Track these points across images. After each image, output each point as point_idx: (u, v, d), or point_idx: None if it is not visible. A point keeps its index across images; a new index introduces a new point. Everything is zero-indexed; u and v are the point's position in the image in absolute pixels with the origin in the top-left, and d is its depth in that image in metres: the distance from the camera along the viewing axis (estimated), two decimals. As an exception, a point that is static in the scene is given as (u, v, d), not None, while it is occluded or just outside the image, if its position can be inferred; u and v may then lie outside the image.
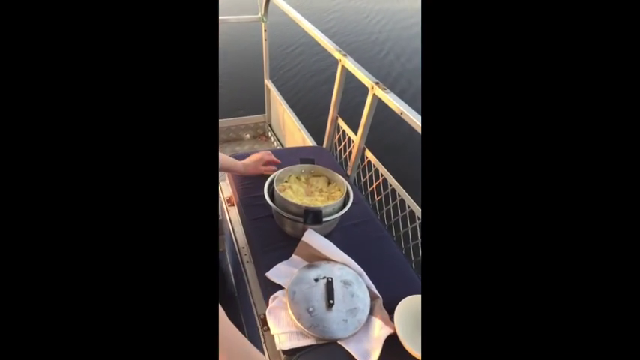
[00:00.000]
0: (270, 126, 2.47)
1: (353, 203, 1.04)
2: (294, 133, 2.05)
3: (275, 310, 0.86)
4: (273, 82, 2.29)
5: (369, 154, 1.39)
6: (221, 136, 2.44)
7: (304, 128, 1.95)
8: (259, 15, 2.05)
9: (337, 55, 1.37)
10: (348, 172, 1.45)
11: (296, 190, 1.10)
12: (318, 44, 1.50)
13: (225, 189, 1.32)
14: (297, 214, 0.98)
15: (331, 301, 0.84)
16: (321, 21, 5.73)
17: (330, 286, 0.87)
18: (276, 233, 1.07)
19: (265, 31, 2.09)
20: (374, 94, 1.22)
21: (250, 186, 1.20)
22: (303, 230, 1.01)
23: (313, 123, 2.10)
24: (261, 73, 2.30)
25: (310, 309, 0.83)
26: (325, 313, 0.83)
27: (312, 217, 0.96)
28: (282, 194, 1.02)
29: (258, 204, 1.12)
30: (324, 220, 0.98)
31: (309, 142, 1.86)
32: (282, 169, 1.13)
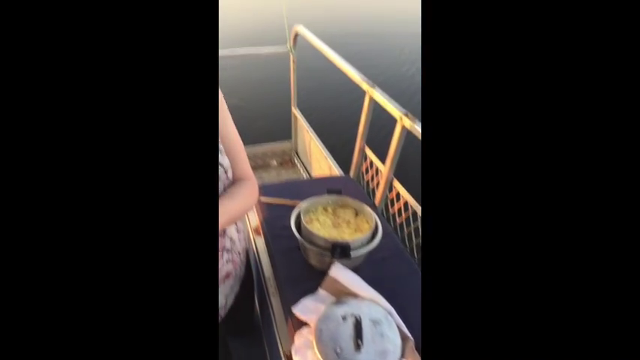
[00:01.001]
0: (296, 152, 2.50)
1: (381, 236, 1.01)
2: (321, 161, 2.05)
3: (301, 349, 0.83)
4: (300, 110, 2.33)
5: (397, 185, 1.36)
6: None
7: (331, 156, 1.96)
8: (288, 47, 2.11)
9: (365, 86, 1.38)
10: (376, 203, 1.43)
11: (323, 222, 1.09)
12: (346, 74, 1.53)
13: (252, 218, 1.32)
14: (325, 248, 0.96)
15: (360, 342, 0.81)
16: (347, 51, 5.87)
17: (358, 325, 0.84)
18: (303, 266, 1.05)
19: (294, 62, 2.15)
20: (402, 125, 1.21)
21: (278, 216, 1.20)
22: (331, 264, 0.99)
23: (340, 149, 2.11)
24: (289, 101, 2.36)
25: (338, 350, 0.80)
26: (353, 355, 0.79)
27: (340, 251, 0.94)
28: (309, 226, 1.01)
29: (285, 235, 1.11)
30: (352, 254, 0.95)
31: (336, 170, 1.86)
32: (309, 200, 1.12)
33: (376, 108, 1.38)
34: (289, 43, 2.09)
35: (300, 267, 1.05)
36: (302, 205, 1.10)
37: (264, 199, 1.27)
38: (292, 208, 1.09)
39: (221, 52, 2.48)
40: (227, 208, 0.75)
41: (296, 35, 2.03)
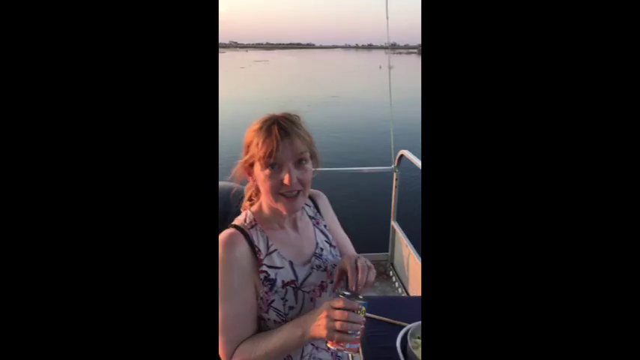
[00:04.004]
0: (392, 265, 2.49)
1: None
2: (419, 276, 2.01)
3: None
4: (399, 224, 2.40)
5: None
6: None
7: None
8: (392, 166, 2.31)
9: None
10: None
11: (430, 349, 1.05)
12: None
13: (353, 332, 1.32)
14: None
15: None
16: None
17: None
18: (407, 396, 0.99)
19: (397, 179, 2.31)
20: None
21: (381, 334, 1.19)
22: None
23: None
24: (387, 215, 2.46)
25: None
26: None
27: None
28: (415, 352, 0.98)
29: (385, 357, 1.08)
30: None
31: None
32: (417, 323, 1.10)
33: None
34: (394, 163, 2.29)
35: (404, 397, 0.99)
36: (410, 327, 1.09)
37: (368, 314, 1.28)
38: (394, 326, 1.09)
39: (337, 169, 2.72)
40: None
41: (400, 157, 2.23)
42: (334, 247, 0.90)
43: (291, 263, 0.81)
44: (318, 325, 0.68)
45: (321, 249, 0.87)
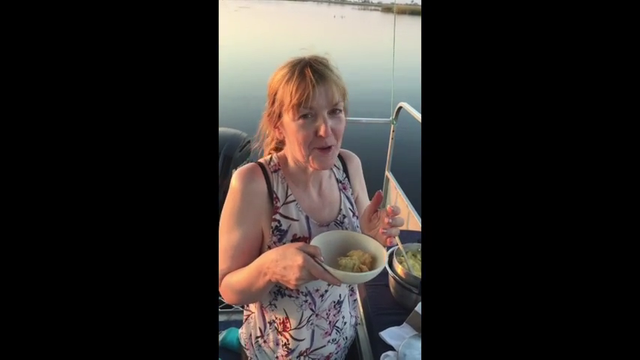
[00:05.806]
0: (384, 213, 2.66)
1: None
2: (410, 220, 2.18)
3: (385, 366, 0.93)
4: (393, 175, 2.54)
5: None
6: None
7: (418, 215, 2.08)
8: (390, 118, 2.40)
9: None
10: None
11: (412, 266, 1.22)
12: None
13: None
14: (413, 285, 1.08)
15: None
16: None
17: (439, 356, 0.92)
18: (389, 300, 1.17)
19: (393, 131, 2.42)
20: None
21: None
22: (416, 301, 1.09)
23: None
24: (383, 165, 2.59)
25: (419, 373, 0.88)
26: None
27: (428, 289, 1.05)
28: (398, 267, 1.15)
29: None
30: (438, 295, 1.05)
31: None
32: (403, 245, 1.26)
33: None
34: (392, 115, 2.38)
35: (387, 301, 1.17)
36: (394, 246, 1.25)
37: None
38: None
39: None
40: None
41: (399, 109, 2.32)
42: (357, 218, 0.82)
43: (307, 218, 0.75)
44: (289, 272, 0.61)
45: (344, 216, 0.80)
